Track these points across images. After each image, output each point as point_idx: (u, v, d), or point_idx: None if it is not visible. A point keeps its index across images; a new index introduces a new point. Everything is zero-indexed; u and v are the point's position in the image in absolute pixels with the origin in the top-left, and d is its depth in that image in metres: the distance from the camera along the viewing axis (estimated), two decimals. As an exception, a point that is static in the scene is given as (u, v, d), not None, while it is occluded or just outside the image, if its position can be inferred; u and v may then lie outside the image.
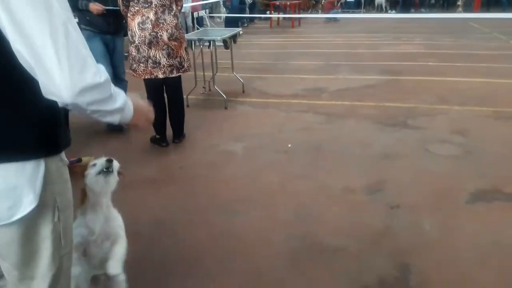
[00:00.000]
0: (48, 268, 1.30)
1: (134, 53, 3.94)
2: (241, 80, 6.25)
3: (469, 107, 5.19)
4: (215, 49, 5.65)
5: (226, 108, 5.52)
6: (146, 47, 3.87)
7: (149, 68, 3.93)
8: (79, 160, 3.08)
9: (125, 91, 1.44)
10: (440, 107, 5.23)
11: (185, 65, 4.12)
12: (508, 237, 2.67)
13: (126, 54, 4.86)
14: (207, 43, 6.09)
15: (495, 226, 2.80)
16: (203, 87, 6.10)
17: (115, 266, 1.74)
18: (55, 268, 1.32)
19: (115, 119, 1.23)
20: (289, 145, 4.22)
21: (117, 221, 1.86)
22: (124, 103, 1.23)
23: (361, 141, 4.26)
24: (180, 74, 4.12)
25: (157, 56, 3.90)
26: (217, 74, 5.88)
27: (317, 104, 5.55)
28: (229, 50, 5.96)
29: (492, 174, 3.47)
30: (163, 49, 3.90)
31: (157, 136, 4.29)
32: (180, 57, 4.03)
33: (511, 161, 3.69)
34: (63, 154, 1.30)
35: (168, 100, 4.26)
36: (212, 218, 3.00)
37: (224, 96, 5.57)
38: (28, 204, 1.17)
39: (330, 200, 3.21)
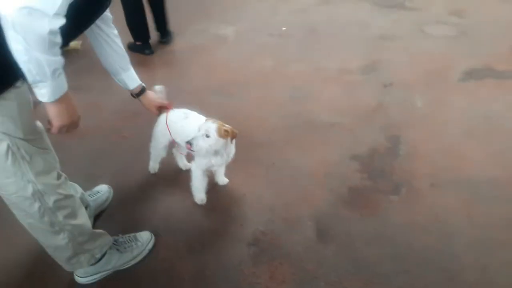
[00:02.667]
0: None
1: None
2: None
3: (468, -13, 4.98)
4: None
5: (214, -11, 5.21)
6: None
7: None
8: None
9: None
10: (438, -12, 5.01)
11: None
12: (496, 111, 2.77)
13: None
14: None
15: (484, 101, 2.89)
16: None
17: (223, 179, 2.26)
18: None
19: (40, 79, 1.18)
20: (283, 28, 4.10)
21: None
22: (58, 72, 1.20)
23: (357, 22, 4.15)
24: None
25: None
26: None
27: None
28: None
29: (485, 53, 3.48)
30: None
31: (138, 43, 3.73)
32: None
33: (505, 40, 3.67)
34: None
35: None
36: (207, 99, 3.02)
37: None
38: None
39: (326, 81, 3.23)
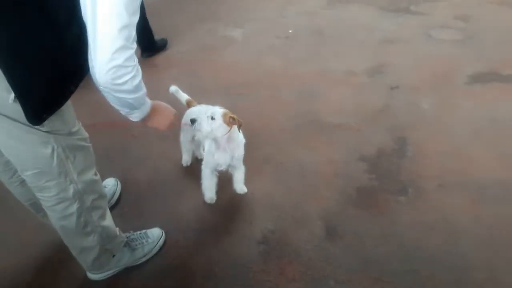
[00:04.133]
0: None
1: None
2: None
3: (473, -8, 5.01)
4: None
5: (222, -9, 5.25)
6: None
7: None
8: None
9: None
10: (444, -7, 5.04)
11: None
12: (502, 114, 2.79)
13: None
14: None
15: (490, 104, 2.90)
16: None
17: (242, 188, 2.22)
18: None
19: (135, 106, 1.30)
20: (290, 31, 4.13)
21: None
22: (145, 94, 1.29)
23: (363, 26, 4.18)
24: None
25: None
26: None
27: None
28: None
29: (491, 57, 3.49)
30: None
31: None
32: None
33: (511, 45, 3.69)
34: None
35: None
36: (215, 99, 3.02)
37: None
38: None
39: (332, 82, 3.25)
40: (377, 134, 2.65)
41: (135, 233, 1.91)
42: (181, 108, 2.35)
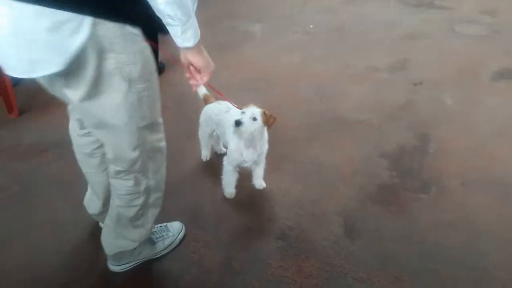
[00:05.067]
0: (128, 137, 1.37)
1: None
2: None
3: (501, -14, 4.87)
4: None
5: (242, -12, 5.26)
6: None
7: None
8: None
9: None
10: (470, -13, 4.92)
11: None
12: (528, 111, 2.72)
13: None
14: None
15: (516, 101, 2.83)
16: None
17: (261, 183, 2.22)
18: (135, 139, 1.38)
19: (190, 13, 1.15)
20: (311, 26, 4.11)
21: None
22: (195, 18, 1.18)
23: (385, 21, 4.12)
24: None
25: None
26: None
27: (339, -16, 5.25)
28: None
29: (519, 52, 3.40)
30: None
31: None
32: None
33: (539, 40, 3.58)
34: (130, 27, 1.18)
35: None
36: (235, 93, 3.04)
37: (241, -24, 5.27)
38: (51, 66, 1.11)
39: (353, 78, 3.22)
40: (398, 130, 2.61)
41: (156, 226, 1.93)
42: (198, 102, 2.38)
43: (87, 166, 1.72)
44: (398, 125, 2.65)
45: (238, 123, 1.87)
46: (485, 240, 1.88)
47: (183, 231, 1.98)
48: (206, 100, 2.32)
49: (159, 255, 1.90)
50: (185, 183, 2.32)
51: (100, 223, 1.95)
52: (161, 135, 1.52)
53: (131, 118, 1.31)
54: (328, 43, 3.80)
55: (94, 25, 1.08)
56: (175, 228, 1.97)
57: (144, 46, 1.24)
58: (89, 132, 1.59)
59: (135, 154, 1.41)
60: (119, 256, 1.77)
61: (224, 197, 2.18)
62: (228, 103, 2.15)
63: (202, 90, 2.35)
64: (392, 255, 1.85)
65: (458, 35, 3.81)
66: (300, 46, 3.78)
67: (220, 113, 2.15)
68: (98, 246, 1.77)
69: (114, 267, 1.83)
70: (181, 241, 1.96)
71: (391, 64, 3.35)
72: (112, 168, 1.50)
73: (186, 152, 2.55)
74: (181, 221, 2.03)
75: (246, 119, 1.89)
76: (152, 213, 1.68)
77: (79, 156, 1.72)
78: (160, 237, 1.89)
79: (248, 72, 3.40)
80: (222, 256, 1.89)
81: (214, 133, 2.31)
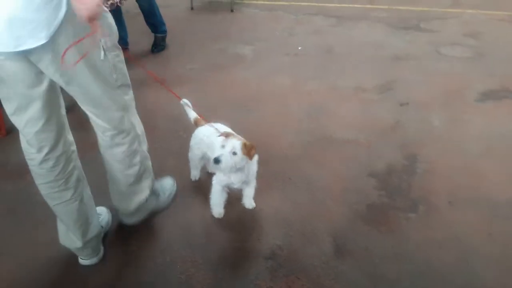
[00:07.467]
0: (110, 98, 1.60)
1: None
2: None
3: (482, 10, 5.04)
4: None
5: (232, 11, 5.35)
6: None
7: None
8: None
9: None
10: (453, 11, 5.09)
11: None
12: (514, 131, 2.76)
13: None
14: None
15: (502, 121, 2.88)
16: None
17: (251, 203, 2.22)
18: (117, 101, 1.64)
19: None
20: (299, 48, 4.17)
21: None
22: None
23: (372, 43, 4.21)
24: None
25: None
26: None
27: (327, 7, 5.37)
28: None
29: (502, 74, 3.49)
30: None
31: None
32: None
33: (522, 63, 3.68)
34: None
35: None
36: (225, 114, 3.06)
37: (230, -2, 5.38)
38: (37, 39, 1.29)
39: (342, 99, 3.26)
40: (387, 150, 2.64)
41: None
42: (188, 124, 2.38)
43: (56, 197, 1.70)
44: (387, 145, 2.68)
45: (216, 161, 1.89)
46: (474, 259, 1.89)
47: (175, 184, 2.29)
48: (196, 123, 2.31)
49: (165, 205, 2.18)
50: (174, 202, 2.30)
51: (80, 258, 1.90)
52: (132, 94, 1.79)
53: (110, 79, 1.58)
54: (317, 64, 3.86)
55: (68, 3, 1.28)
56: (169, 182, 2.26)
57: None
58: (48, 157, 1.61)
59: (120, 113, 1.66)
60: (137, 209, 1.97)
61: (212, 217, 2.16)
62: (219, 124, 2.16)
63: (193, 114, 2.36)
64: (382, 275, 1.84)
65: (443, 56, 3.90)
66: (290, 68, 3.83)
67: (211, 135, 2.14)
68: (87, 265, 1.73)
69: (128, 220, 2.04)
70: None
71: (378, 85, 3.41)
72: (108, 134, 1.67)
73: (175, 171, 2.53)
74: (168, 240, 2.02)
75: (225, 155, 1.89)
76: (148, 164, 1.93)
77: (44, 189, 1.69)
78: (161, 190, 2.16)
79: (239, 92, 3.43)
80: (210, 277, 1.86)
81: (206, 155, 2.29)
